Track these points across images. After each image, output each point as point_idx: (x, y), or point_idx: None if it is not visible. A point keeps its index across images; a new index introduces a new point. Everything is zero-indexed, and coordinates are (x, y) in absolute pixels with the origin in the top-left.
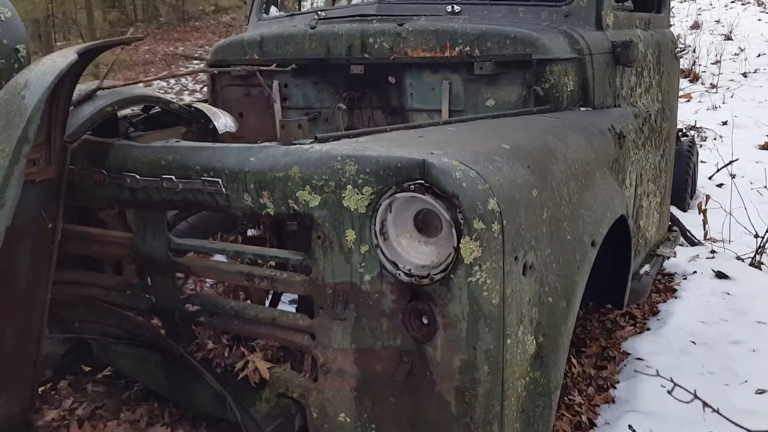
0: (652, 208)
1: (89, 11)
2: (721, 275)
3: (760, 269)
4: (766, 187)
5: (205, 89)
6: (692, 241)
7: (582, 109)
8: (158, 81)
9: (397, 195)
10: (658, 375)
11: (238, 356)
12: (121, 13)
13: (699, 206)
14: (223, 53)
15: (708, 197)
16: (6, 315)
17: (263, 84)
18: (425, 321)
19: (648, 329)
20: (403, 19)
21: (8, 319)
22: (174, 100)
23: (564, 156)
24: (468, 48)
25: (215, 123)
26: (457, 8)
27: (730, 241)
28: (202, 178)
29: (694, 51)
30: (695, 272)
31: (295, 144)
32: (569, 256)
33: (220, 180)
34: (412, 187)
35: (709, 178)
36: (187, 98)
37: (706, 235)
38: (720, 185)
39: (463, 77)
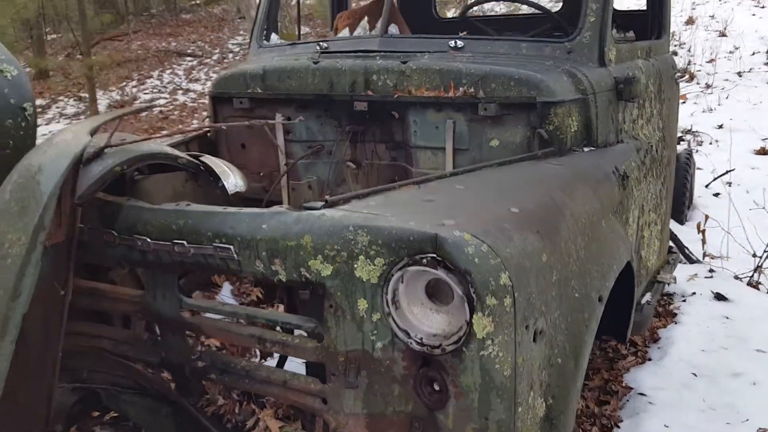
0: (653, 237)
1: (82, 12)
2: (720, 297)
3: (758, 289)
4: (764, 208)
5: (199, 88)
6: (691, 259)
7: (585, 149)
8: (152, 79)
9: (410, 268)
10: None
11: (248, 413)
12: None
13: (698, 226)
14: (225, 85)
15: (707, 217)
16: (18, 375)
17: (262, 121)
18: (436, 387)
19: (649, 359)
20: (406, 56)
21: (20, 379)
22: (182, 155)
23: (571, 211)
24: (472, 89)
25: (224, 183)
26: (460, 43)
27: (728, 257)
28: (214, 244)
29: (689, 50)
30: (694, 293)
31: (306, 209)
32: (577, 315)
33: (232, 247)
34: (425, 261)
35: (706, 186)
36: (180, 98)
37: (704, 254)
38: (717, 194)
39: (467, 117)
